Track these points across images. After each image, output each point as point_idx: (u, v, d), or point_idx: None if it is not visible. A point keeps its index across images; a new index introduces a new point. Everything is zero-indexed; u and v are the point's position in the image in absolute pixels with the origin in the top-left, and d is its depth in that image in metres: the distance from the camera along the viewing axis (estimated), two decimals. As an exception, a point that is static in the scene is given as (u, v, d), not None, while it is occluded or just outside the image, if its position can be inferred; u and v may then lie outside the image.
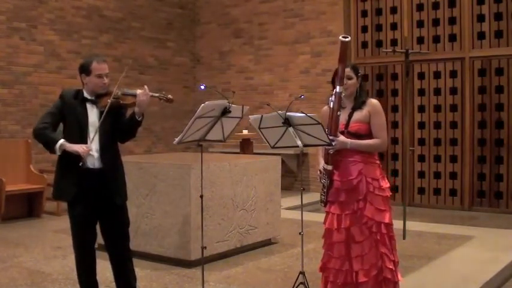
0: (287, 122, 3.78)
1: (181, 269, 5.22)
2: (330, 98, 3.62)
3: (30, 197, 7.92)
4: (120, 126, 3.83)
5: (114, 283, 4.58)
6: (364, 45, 9.50)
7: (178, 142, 3.86)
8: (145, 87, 3.76)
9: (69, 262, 5.43)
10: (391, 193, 3.79)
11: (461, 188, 8.67)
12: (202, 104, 3.74)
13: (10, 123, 8.57)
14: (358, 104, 3.72)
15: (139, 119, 3.75)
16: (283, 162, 6.85)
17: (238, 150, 9.39)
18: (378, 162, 3.78)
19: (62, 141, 3.66)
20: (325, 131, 3.69)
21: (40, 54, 8.97)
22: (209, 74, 11.41)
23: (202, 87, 4.30)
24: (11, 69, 8.60)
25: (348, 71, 3.69)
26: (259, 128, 3.91)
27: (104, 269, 4.33)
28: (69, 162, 3.71)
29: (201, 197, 4.14)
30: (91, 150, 3.67)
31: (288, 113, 3.75)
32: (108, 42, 9.99)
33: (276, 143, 3.95)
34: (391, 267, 3.61)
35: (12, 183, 7.66)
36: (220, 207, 5.48)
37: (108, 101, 3.68)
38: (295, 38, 10.31)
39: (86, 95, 3.81)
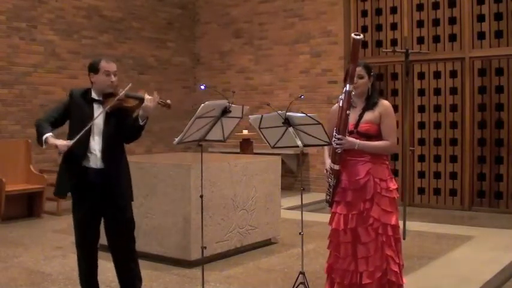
0: (287, 122, 3.78)
1: (181, 269, 5.21)
2: (340, 97, 3.59)
3: (30, 197, 7.92)
4: (124, 128, 3.85)
5: (114, 283, 4.58)
6: (364, 45, 9.49)
7: (178, 142, 3.86)
8: (155, 93, 3.76)
9: (69, 262, 5.43)
10: (398, 195, 3.75)
11: (461, 188, 8.66)
12: (203, 104, 3.74)
13: (10, 123, 8.56)
14: (370, 105, 3.69)
15: (141, 123, 3.76)
16: (283, 162, 6.85)
17: (238, 150, 9.39)
18: (387, 162, 3.75)
19: (48, 134, 3.67)
20: (325, 131, 3.69)
21: (40, 54, 8.97)
22: (209, 74, 11.40)
23: (203, 87, 4.29)
24: (11, 69, 8.59)
25: (360, 69, 3.66)
26: (259, 128, 3.91)
27: (104, 269, 4.33)
28: (70, 161, 3.77)
29: (201, 197, 4.13)
30: (69, 145, 3.62)
31: (288, 113, 3.75)
32: (108, 42, 9.98)
33: (276, 143, 3.95)
34: (396, 270, 3.58)
35: (12, 183, 7.66)
36: (220, 207, 5.48)
37: (111, 102, 3.71)
38: (295, 38, 10.30)
39: (93, 95, 3.85)
